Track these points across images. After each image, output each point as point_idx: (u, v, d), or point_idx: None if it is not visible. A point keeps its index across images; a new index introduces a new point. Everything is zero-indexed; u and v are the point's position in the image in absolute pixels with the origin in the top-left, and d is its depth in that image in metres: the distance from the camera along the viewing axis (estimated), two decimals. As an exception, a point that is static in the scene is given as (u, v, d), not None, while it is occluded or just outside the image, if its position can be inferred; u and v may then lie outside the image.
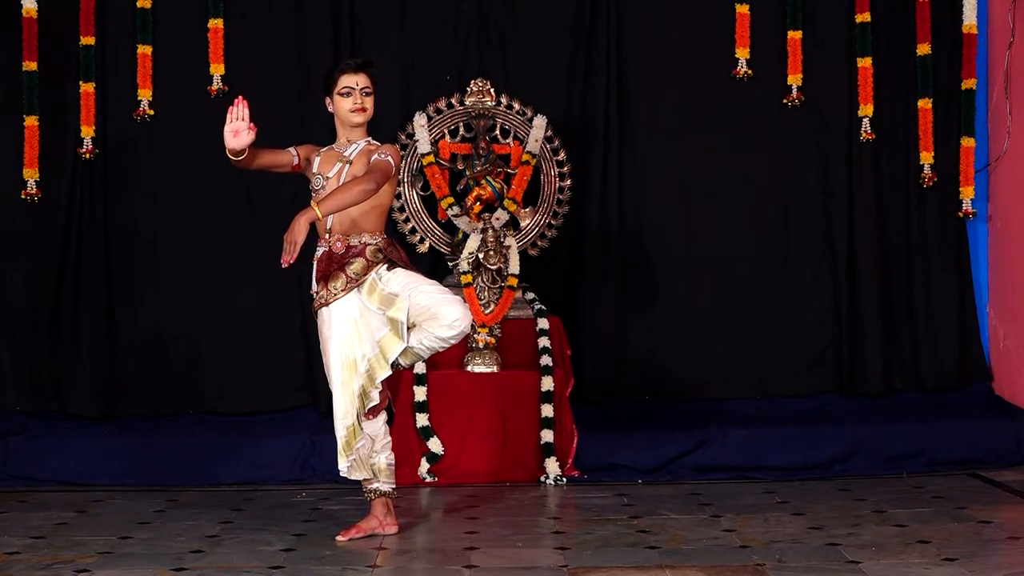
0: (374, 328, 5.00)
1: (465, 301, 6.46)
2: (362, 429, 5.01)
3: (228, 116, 4.75)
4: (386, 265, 5.03)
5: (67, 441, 6.55)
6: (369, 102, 5.09)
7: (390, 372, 5.04)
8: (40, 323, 7.06)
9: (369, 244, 5.04)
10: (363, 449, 5.04)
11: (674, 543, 4.92)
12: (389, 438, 5.17)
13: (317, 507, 5.72)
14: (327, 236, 5.05)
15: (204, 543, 5.03)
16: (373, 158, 4.96)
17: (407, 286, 4.97)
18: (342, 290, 5.00)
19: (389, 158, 4.96)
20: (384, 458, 5.13)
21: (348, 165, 5.04)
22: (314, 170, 5.09)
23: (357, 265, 5.01)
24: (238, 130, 4.75)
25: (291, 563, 4.70)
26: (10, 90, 7.05)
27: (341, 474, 5.07)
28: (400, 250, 5.15)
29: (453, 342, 5.03)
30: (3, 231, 7.09)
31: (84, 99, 7.02)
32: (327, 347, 5.04)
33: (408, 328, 4.97)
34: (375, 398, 5.04)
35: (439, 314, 4.91)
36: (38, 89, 7.03)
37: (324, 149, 5.15)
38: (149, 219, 7.15)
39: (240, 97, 4.77)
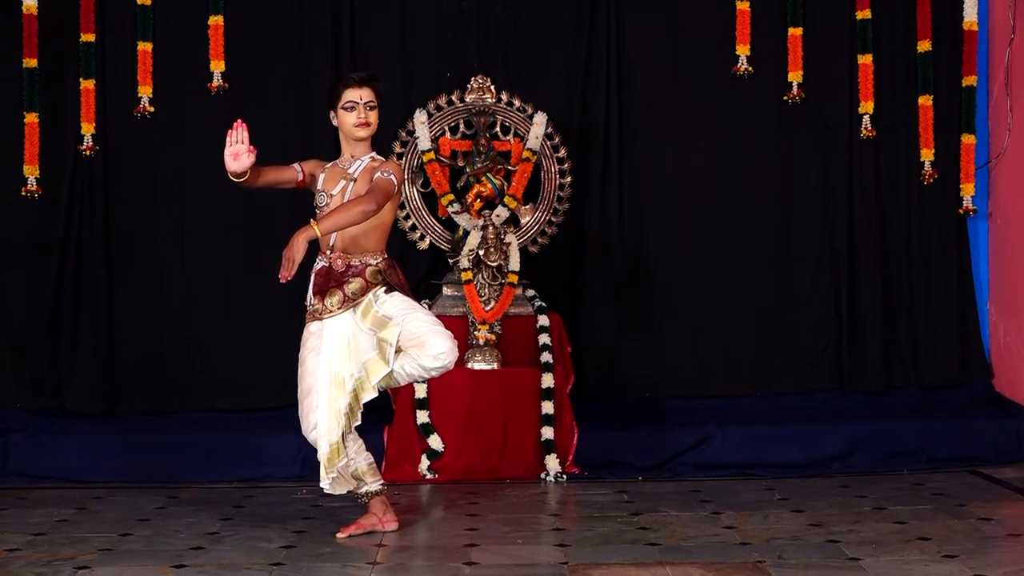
0: (362, 349, 5.00)
1: (468, 301, 6.49)
2: (345, 447, 5.00)
3: (228, 139, 4.76)
4: (384, 288, 5.03)
5: (67, 438, 6.55)
6: (373, 116, 5.08)
7: (376, 394, 5.04)
8: (40, 320, 7.06)
9: (369, 265, 5.03)
10: (341, 467, 5.02)
11: (674, 540, 4.92)
12: (360, 440, 5.14)
13: (317, 504, 5.72)
14: (328, 252, 5.05)
15: (204, 540, 5.04)
16: (375, 176, 4.95)
17: (402, 311, 4.97)
18: (338, 308, 5.00)
19: (392, 176, 4.94)
20: (363, 460, 5.11)
21: (352, 183, 5.04)
22: (319, 187, 5.09)
23: (355, 285, 5.01)
24: (238, 153, 4.76)
25: (291, 560, 4.70)
26: (10, 87, 7.05)
27: (324, 491, 5.06)
28: (400, 273, 5.14)
29: (435, 374, 5.01)
30: (3, 228, 7.09)
31: (84, 96, 7.02)
32: (305, 358, 5.03)
33: (395, 352, 4.97)
34: (359, 418, 5.04)
35: (427, 343, 4.90)
36: (38, 86, 7.03)
37: (328, 165, 5.15)
38: (149, 216, 7.16)
39: (239, 120, 4.77)
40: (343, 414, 4.97)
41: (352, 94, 5.06)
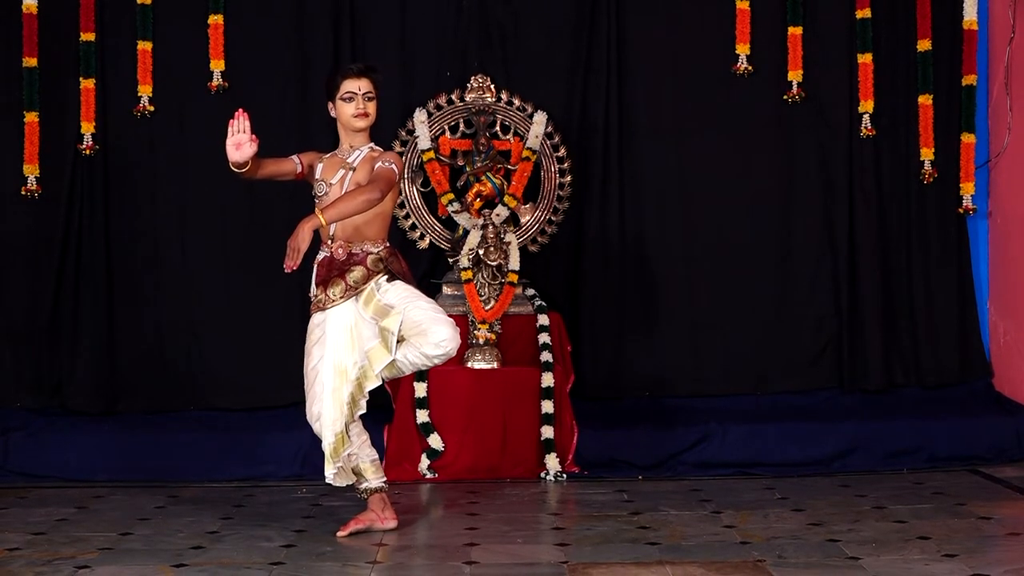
0: (365, 338, 5.00)
1: (468, 300, 6.49)
2: (350, 437, 5.00)
3: (229, 130, 4.75)
4: (386, 276, 5.03)
5: (68, 437, 6.56)
6: (372, 107, 5.09)
7: (379, 383, 5.05)
8: (41, 319, 7.06)
9: (371, 253, 5.03)
10: (347, 457, 5.03)
11: (674, 539, 4.92)
12: (366, 434, 5.14)
13: (317, 503, 5.72)
14: (329, 242, 5.05)
15: (204, 539, 5.04)
16: (377, 166, 4.95)
17: (404, 299, 4.97)
18: (340, 297, 5.00)
19: (393, 166, 4.95)
20: (366, 456, 5.11)
21: (351, 172, 5.04)
22: (317, 176, 5.09)
23: (357, 274, 5.01)
24: (240, 143, 4.76)
25: (291, 559, 4.70)
26: (10, 87, 7.05)
27: (327, 480, 5.06)
28: (402, 260, 5.14)
29: (437, 362, 5.02)
30: (3, 227, 7.09)
31: (84, 95, 7.02)
32: (311, 350, 5.03)
33: (397, 341, 4.97)
34: (364, 407, 5.04)
35: (429, 331, 4.90)
36: (38, 85, 7.03)
37: (327, 155, 5.15)
38: (149, 215, 7.16)
39: (240, 110, 4.78)
40: (346, 404, 4.97)
41: (351, 84, 5.06)
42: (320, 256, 5.10)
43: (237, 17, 7.13)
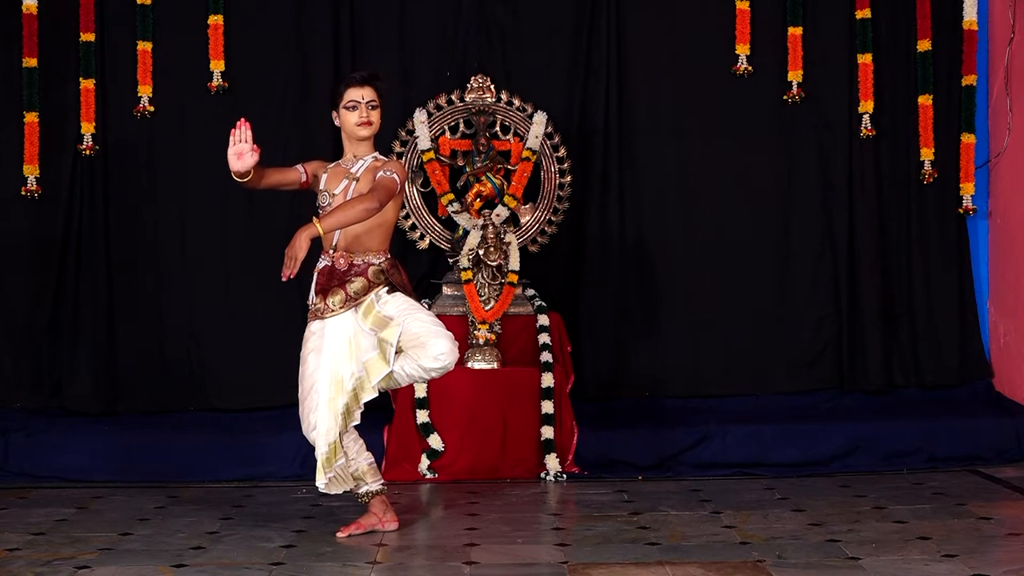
0: (363, 348, 4.99)
1: (468, 301, 6.48)
2: (342, 447, 4.99)
3: (231, 139, 4.76)
4: (386, 288, 5.03)
5: (67, 438, 6.55)
6: (375, 115, 5.08)
7: (376, 395, 5.04)
8: (40, 319, 7.07)
9: (372, 264, 5.02)
10: (339, 466, 5.03)
11: (674, 539, 4.92)
12: (361, 440, 5.13)
13: (317, 504, 5.71)
14: (331, 251, 5.05)
15: (204, 539, 5.04)
16: (378, 175, 4.95)
17: (403, 311, 4.96)
18: (340, 307, 4.99)
19: (394, 175, 4.94)
20: (363, 460, 5.10)
21: (355, 182, 5.03)
22: (321, 187, 5.09)
23: (358, 284, 5.00)
24: (241, 152, 4.76)
25: (291, 559, 4.70)
26: (10, 87, 7.05)
27: (320, 490, 5.05)
28: (403, 272, 5.13)
29: (434, 375, 5.00)
30: (3, 227, 7.09)
31: (84, 96, 7.03)
32: (306, 358, 5.02)
33: (395, 353, 4.97)
34: (358, 418, 5.03)
35: (428, 344, 4.89)
36: (38, 86, 7.04)
37: (331, 165, 5.15)
38: (149, 216, 7.16)
39: (243, 119, 4.78)
40: (340, 414, 4.96)
41: (354, 93, 5.05)
42: (321, 264, 5.09)
43: (237, 17, 7.13)
